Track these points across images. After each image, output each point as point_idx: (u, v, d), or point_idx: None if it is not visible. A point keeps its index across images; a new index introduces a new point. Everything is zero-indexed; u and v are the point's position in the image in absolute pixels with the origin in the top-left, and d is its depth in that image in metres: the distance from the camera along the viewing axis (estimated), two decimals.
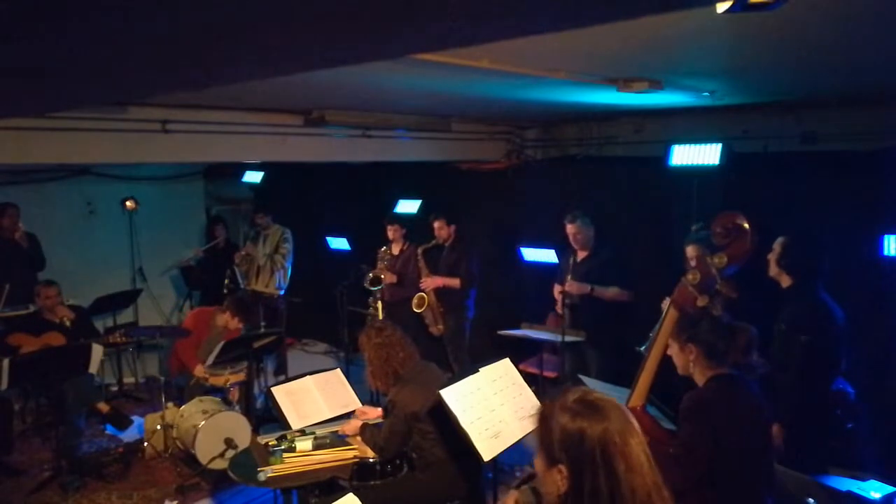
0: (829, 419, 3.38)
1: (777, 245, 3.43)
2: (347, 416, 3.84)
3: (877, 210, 3.95)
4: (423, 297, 5.73)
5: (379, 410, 3.63)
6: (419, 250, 5.79)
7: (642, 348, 3.62)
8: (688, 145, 4.48)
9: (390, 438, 3.22)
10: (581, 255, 4.89)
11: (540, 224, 5.63)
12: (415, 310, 5.74)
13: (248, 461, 3.38)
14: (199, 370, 5.01)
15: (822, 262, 3.39)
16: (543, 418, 1.45)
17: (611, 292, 4.68)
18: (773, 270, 3.44)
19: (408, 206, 6.39)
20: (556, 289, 4.91)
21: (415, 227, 6.07)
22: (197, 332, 5.31)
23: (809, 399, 3.25)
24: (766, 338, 3.13)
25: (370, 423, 3.45)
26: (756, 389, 2.39)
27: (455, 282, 5.61)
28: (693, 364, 2.37)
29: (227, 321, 5.31)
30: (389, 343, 3.33)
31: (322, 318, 7.27)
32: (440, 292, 5.71)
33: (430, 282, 5.70)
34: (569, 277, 4.75)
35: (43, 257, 6.03)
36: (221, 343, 4.84)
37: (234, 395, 4.98)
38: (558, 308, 4.87)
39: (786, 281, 3.41)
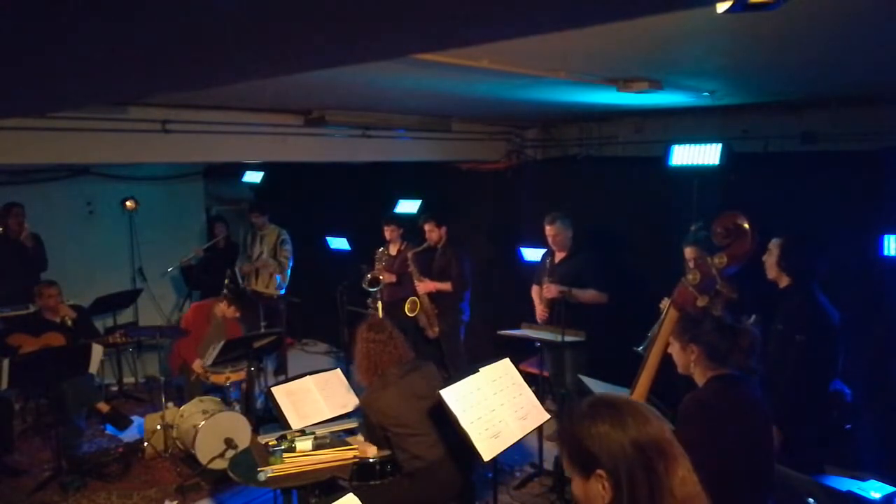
0: (826, 420, 3.38)
1: (774, 247, 3.41)
2: (347, 416, 3.84)
3: (877, 210, 3.95)
4: (415, 302, 5.71)
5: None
6: (409, 254, 5.75)
7: (640, 348, 3.63)
8: (688, 145, 4.48)
9: (370, 438, 3.27)
10: (559, 256, 4.87)
11: (540, 224, 5.63)
12: (407, 314, 5.73)
13: (248, 461, 3.38)
14: (198, 365, 5.04)
15: (819, 263, 3.39)
16: (566, 436, 1.43)
17: (588, 295, 4.65)
18: (773, 273, 3.42)
19: (408, 206, 6.39)
20: (535, 290, 4.91)
21: (413, 227, 6.07)
22: (198, 328, 5.39)
23: (806, 399, 3.25)
24: (766, 339, 3.13)
25: None
26: (757, 390, 2.39)
27: (446, 286, 5.60)
28: (694, 364, 2.36)
29: (224, 310, 5.42)
30: (377, 340, 3.32)
31: (322, 318, 7.27)
32: (434, 295, 5.70)
33: (421, 286, 5.69)
34: (546, 279, 4.76)
35: (45, 258, 6.04)
36: (221, 343, 4.85)
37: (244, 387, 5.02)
38: (538, 312, 4.85)
39: (784, 281, 3.40)
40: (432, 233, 5.66)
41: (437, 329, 5.76)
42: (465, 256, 5.70)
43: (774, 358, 3.29)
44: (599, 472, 1.35)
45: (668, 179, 4.80)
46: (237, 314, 5.47)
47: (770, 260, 3.42)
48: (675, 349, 2.43)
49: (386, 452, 3.24)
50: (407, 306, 5.72)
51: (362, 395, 3.32)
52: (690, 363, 2.37)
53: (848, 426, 3.51)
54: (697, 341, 2.34)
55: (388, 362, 3.29)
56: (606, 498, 1.35)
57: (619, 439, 1.34)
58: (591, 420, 1.38)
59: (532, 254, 5.57)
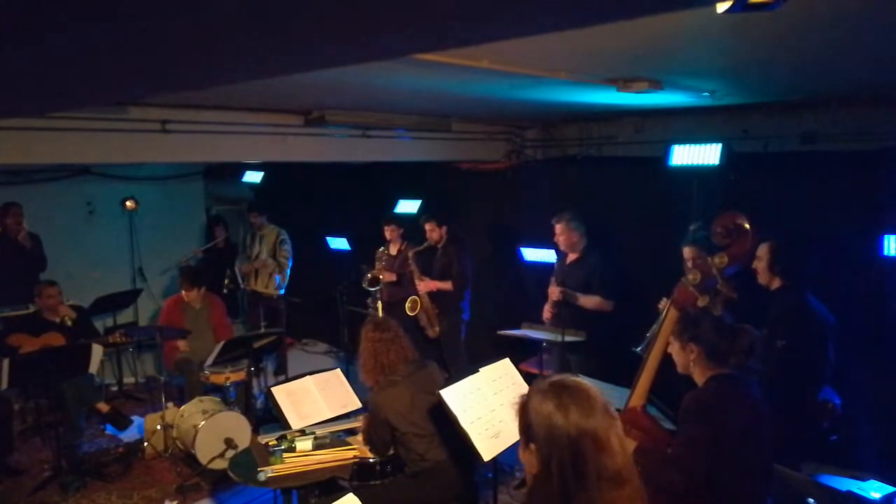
0: (810, 425, 3.29)
1: (763, 252, 3.36)
2: (347, 416, 3.84)
3: (877, 210, 3.94)
4: (415, 301, 5.72)
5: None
6: (410, 253, 5.76)
7: (639, 348, 3.63)
8: (688, 145, 4.48)
9: (372, 437, 3.24)
10: (571, 257, 4.83)
11: (540, 224, 5.63)
12: (408, 313, 5.73)
13: (248, 461, 3.38)
14: (183, 344, 5.28)
15: (810, 265, 3.36)
16: (522, 403, 1.54)
17: (592, 301, 4.57)
18: (764, 277, 3.39)
19: (408, 206, 6.39)
20: (551, 289, 4.90)
21: (413, 228, 6.07)
22: (176, 321, 5.50)
23: (785, 403, 3.16)
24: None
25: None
26: (756, 390, 2.39)
27: (447, 285, 5.60)
28: (693, 364, 2.37)
29: (189, 297, 5.62)
30: (382, 340, 3.32)
31: (322, 318, 7.27)
32: (434, 294, 5.70)
33: (422, 286, 5.69)
34: (553, 280, 4.75)
35: (45, 258, 6.04)
36: (221, 343, 4.85)
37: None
38: (545, 310, 4.83)
39: (775, 284, 3.37)
40: (433, 232, 5.67)
41: (437, 328, 5.76)
42: (466, 256, 5.70)
43: (762, 361, 3.27)
44: (532, 446, 1.45)
45: (668, 179, 4.79)
46: (192, 292, 5.60)
47: (760, 265, 3.38)
48: (674, 349, 2.43)
49: (388, 452, 3.24)
50: (408, 305, 5.73)
51: (371, 393, 3.30)
52: (690, 363, 2.38)
53: (834, 437, 3.45)
54: (697, 341, 2.35)
55: (395, 361, 3.29)
56: (535, 469, 1.45)
57: (557, 422, 1.42)
58: (541, 397, 1.47)
59: (532, 254, 5.57)
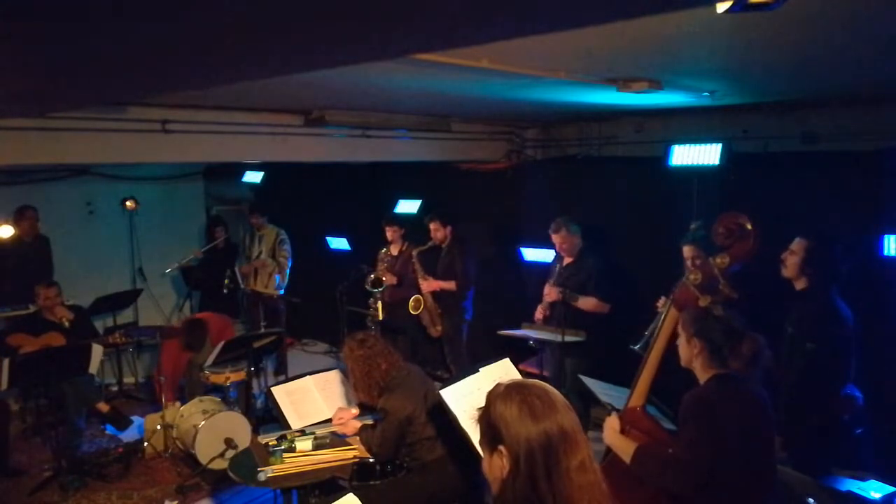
0: (833, 425, 3.29)
1: (799, 248, 3.27)
2: None
3: (877, 210, 3.94)
4: (419, 300, 5.73)
5: (355, 411, 3.62)
6: (414, 252, 5.77)
7: (637, 346, 3.62)
8: (688, 145, 4.48)
9: (383, 444, 3.23)
10: (567, 260, 4.83)
11: (540, 224, 5.63)
12: (411, 312, 5.74)
13: (248, 461, 3.38)
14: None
15: (843, 267, 3.27)
16: (483, 413, 1.54)
17: (589, 303, 4.57)
18: (792, 272, 3.29)
19: (408, 207, 6.39)
20: (546, 289, 4.90)
21: (414, 228, 6.07)
22: (217, 332, 5.42)
23: (809, 404, 3.19)
24: (767, 337, 3.12)
25: (369, 424, 3.45)
26: (759, 391, 2.39)
27: (451, 285, 5.60)
28: (696, 359, 2.36)
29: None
30: (371, 355, 3.32)
31: (322, 318, 7.27)
32: (438, 294, 5.71)
33: (426, 285, 5.69)
34: (550, 282, 4.75)
35: (51, 260, 6.05)
36: (221, 343, 4.85)
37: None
38: (537, 310, 4.83)
39: (801, 283, 3.29)
40: (437, 232, 5.67)
41: (439, 328, 5.77)
42: (470, 256, 5.70)
43: (784, 361, 3.26)
44: (501, 448, 1.47)
45: (668, 179, 4.79)
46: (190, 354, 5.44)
47: (792, 259, 3.28)
48: (681, 341, 2.43)
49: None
50: (411, 304, 5.74)
51: (382, 401, 3.29)
52: (693, 357, 2.37)
53: (859, 430, 3.45)
54: (701, 336, 2.34)
55: (386, 370, 3.31)
56: (505, 470, 1.46)
57: (524, 422, 1.45)
58: (504, 400, 1.49)
59: (532, 254, 5.57)
